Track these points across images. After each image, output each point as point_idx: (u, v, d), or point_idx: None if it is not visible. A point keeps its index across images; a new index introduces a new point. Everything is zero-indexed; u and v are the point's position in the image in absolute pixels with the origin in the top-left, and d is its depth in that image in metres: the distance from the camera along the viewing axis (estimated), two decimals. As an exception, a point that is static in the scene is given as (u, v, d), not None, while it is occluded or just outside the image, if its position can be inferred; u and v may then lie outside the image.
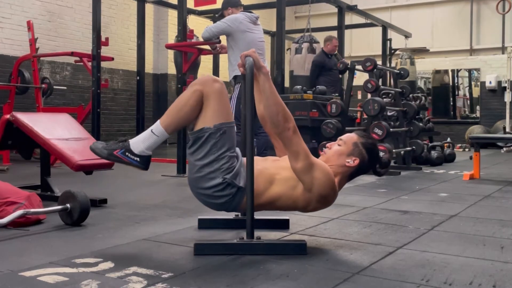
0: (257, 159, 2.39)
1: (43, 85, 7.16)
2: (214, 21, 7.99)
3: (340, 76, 8.12)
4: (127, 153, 2.31)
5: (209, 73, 10.83)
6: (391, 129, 5.85)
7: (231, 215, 2.77)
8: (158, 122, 2.33)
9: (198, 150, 2.27)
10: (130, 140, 2.33)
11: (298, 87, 7.17)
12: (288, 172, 2.28)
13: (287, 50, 9.79)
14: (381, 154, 2.48)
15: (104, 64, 8.09)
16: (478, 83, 12.93)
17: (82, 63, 7.22)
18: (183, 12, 5.85)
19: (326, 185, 2.24)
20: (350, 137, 2.41)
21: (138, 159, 2.31)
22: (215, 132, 2.25)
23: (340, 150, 2.37)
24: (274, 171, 2.31)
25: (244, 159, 2.31)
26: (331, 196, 2.31)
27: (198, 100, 2.28)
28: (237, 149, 2.39)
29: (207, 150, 2.25)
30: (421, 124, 7.07)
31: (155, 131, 2.31)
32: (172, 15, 10.72)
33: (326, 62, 7.87)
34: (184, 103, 2.29)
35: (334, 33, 9.04)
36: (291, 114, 2.24)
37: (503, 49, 12.78)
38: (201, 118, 2.29)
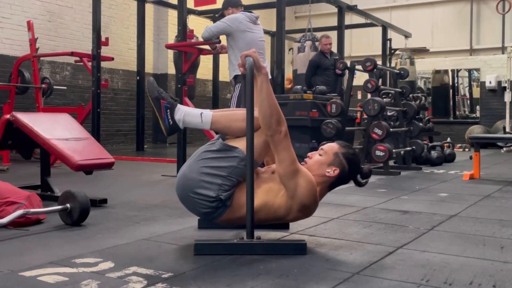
0: None
1: (43, 85, 7.16)
2: (214, 21, 7.99)
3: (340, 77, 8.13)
4: (168, 111, 2.36)
5: (209, 74, 10.86)
6: (391, 129, 5.84)
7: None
8: (210, 111, 2.36)
9: (217, 159, 2.27)
10: (178, 105, 2.38)
11: (298, 87, 7.16)
12: (269, 183, 2.29)
13: (289, 50, 9.79)
14: (362, 165, 2.47)
15: (104, 64, 8.10)
16: (478, 83, 12.94)
17: (82, 63, 7.23)
18: (183, 12, 5.85)
19: (308, 194, 2.24)
20: (331, 147, 2.40)
21: (171, 122, 2.36)
22: (242, 160, 2.25)
23: (320, 160, 2.37)
24: (255, 184, 2.30)
25: None
26: (312, 206, 2.31)
27: (262, 140, 2.26)
28: None
29: (224, 166, 2.25)
30: (421, 124, 7.07)
31: (204, 117, 2.34)
32: (172, 15, 10.72)
33: (322, 61, 7.90)
34: (242, 119, 2.26)
35: (334, 33, 9.05)
36: (284, 118, 2.24)
37: (503, 49, 12.78)
38: (243, 139, 2.25)
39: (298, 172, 2.22)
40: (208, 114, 2.35)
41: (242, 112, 2.31)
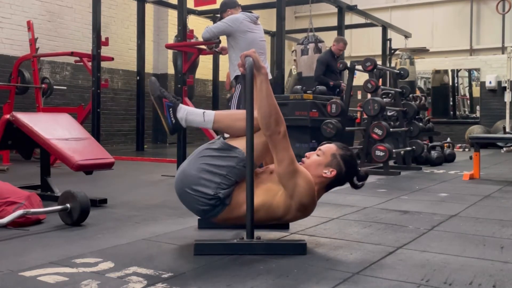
0: None
1: (43, 85, 7.16)
2: (214, 21, 7.98)
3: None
4: (170, 109, 2.39)
5: (209, 74, 10.85)
6: (391, 129, 5.84)
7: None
8: (213, 111, 2.40)
9: (217, 157, 2.28)
10: (181, 104, 2.42)
11: (298, 87, 7.17)
12: (268, 183, 2.29)
13: (292, 52, 9.79)
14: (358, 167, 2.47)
15: (104, 64, 8.10)
16: (478, 83, 12.94)
17: (82, 63, 7.22)
18: (183, 12, 5.85)
19: (307, 193, 2.25)
20: (329, 148, 2.41)
21: (174, 120, 2.39)
22: (241, 161, 2.26)
23: (318, 160, 2.37)
24: (254, 184, 2.30)
25: None
26: (311, 206, 2.32)
27: (263, 143, 2.27)
28: None
29: (223, 164, 2.27)
30: (421, 124, 7.07)
31: (206, 116, 2.38)
32: (172, 15, 10.72)
33: (330, 61, 7.75)
34: (243, 118, 2.25)
35: (334, 33, 9.05)
36: (283, 119, 2.24)
37: (503, 49, 12.78)
38: (243, 139, 2.24)
39: (297, 172, 2.23)
40: (210, 113, 2.39)
41: (243, 112, 2.32)
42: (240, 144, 2.27)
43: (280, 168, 2.22)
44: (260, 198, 2.27)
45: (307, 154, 2.45)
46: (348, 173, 2.39)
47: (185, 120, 2.39)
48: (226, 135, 2.44)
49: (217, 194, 2.25)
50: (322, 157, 2.38)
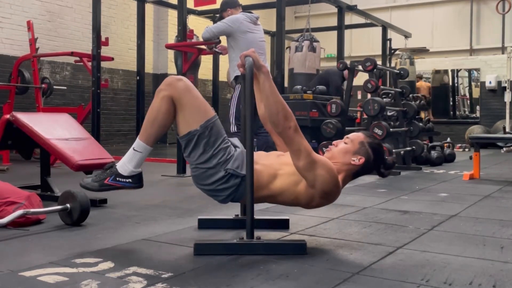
0: (261, 154, 2.42)
1: (43, 85, 7.16)
2: (214, 21, 7.99)
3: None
4: (117, 178, 2.35)
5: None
6: (391, 129, 5.84)
7: (231, 215, 2.78)
8: (137, 138, 2.35)
9: (193, 152, 2.29)
10: (116, 165, 2.36)
11: (298, 87, 7.17)
12: (290, 167, 2.29)
13: (286, 48, 9.77)
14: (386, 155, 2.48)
15: (104, 64, 8.09)
16: (478, 83, 12.94)
17: (82, 63, 7.22)
18: (183, 12, 5.85)
19: (329, 182, 2.24)
20: (356, 136, 2.42)
21: (130, 180, 2.35)
22: (203, 132, 2.27)
23: (346, 148, 2.38)
24: (278, 166, 2.33)
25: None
26: (335, 192, 2.31)
27: (169, 105, 2.28)
28: (235, 140, 2.40)
29: (202, 150, 2.27)
30: (421, 124, 7.07)
31: (137, 148, 2.34)
32: (172, 15, 10.72)
33: None
34: (156, 112, 2.30)
35: (334, 33, 9.05)
36: (292, 113, 2.23)
37: (503, 49, 12.78)
38: (183, 121, 2.29)
39: (315, 163, 2.21)
40: (138, 143, 2.33)
41: (150, 111, 2.32)
42: (186, 126, 2.28)
43: (297, 162, 2.21)
44: (281, 183, 2.29)
45: (334, 142, 2.46)
46: (376, 161, 2.40)
47: (133, 168, 2.34)
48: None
49: (227, 171, 2.26)
50: (350, 144, 2.38)
